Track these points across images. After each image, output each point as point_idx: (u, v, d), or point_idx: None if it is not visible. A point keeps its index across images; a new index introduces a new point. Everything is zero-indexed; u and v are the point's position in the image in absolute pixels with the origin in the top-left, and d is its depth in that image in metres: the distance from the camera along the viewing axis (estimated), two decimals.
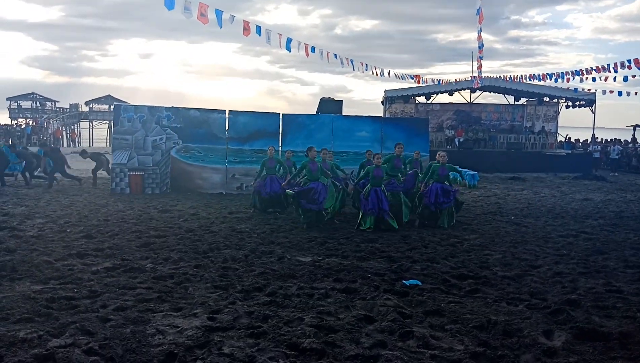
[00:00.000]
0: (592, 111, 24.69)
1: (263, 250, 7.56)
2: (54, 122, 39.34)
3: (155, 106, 14.28)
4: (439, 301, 5.39)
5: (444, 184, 9.93)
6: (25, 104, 45.26)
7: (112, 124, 16.13)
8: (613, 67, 20.60)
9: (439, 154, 10.20)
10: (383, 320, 4.79)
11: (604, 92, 25.56)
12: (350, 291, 5.67)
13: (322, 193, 9.40)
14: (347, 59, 18.41)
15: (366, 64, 20.60)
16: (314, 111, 18.19)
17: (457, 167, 11.70)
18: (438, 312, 5.07)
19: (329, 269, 6.59)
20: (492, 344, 4.33)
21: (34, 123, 37.84)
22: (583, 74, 22.30)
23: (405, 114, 26.05)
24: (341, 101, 18.63)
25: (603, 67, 21.46)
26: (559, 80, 23.69)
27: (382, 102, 26.72)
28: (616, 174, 22.83)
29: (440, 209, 9.73)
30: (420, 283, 6.02)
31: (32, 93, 46.41)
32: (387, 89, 25.90)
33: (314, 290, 5.66)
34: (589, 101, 24.72)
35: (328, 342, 4.25)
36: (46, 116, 41.79)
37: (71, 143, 40.01)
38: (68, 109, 45.95)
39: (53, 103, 46.75)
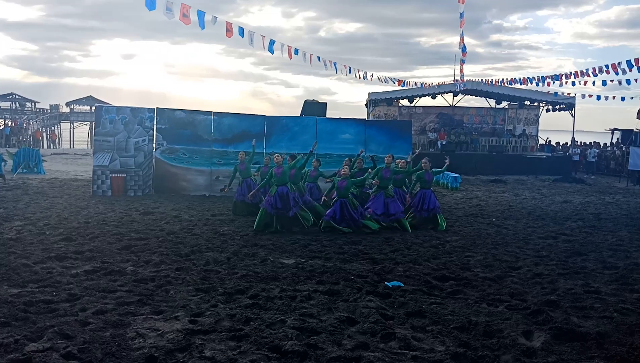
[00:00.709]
0: (572, 115, 25.10)
1: (246, 252, 7.53)
2: (34, 123, 38.69)
3: (138, 107, 14.13)
4: (421, 302, 5.43)
5: (430, 190, 10.14)
6: (4, 104, 44.42)
7: (94, 125, 15.88)
8: (592, 72, 20.95)
9: (423, 162, 10.28)
10: (365, 321, 4.81)
11: (583, 96, 25.96)
12: (333, 293, 5.68)
13: (291, 197, 9.35)
14: (330, 61, 18.41)
15: (349, 67, 20.63)
16: (298, 113, 18.19)
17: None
18: (420, 313, 5.10)
19: (312, 271, 6.59)
20: (473, 345, 4.38)
21: (13, 124, 37.12)
22: (562, 79, 22.65)
23: (389, 117, 26.19)
24: (325, 104, 18.67)
25: (582, 72, 21.81)
26: (540, 84, 24.04)
27: (366, 105, 26.84)
28: (593, 176, 23.24)
29: (434, 214, 9.91)
30: (403, 285, 6.06)
31: (11, 93, 45.57)
32: (370, 92, 26.05)
33: (297, 292, 5.66)
34: (568, 104, 25.13)
35: (310, 344, 4.25)
36: (26, 116, 41.06)
37: (51, 144, 39.40)
38: (48, 110, 45.21)
39: (33, 104, 45.95)
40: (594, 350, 4.34)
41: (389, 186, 10.02)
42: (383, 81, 26.00)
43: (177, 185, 14.09)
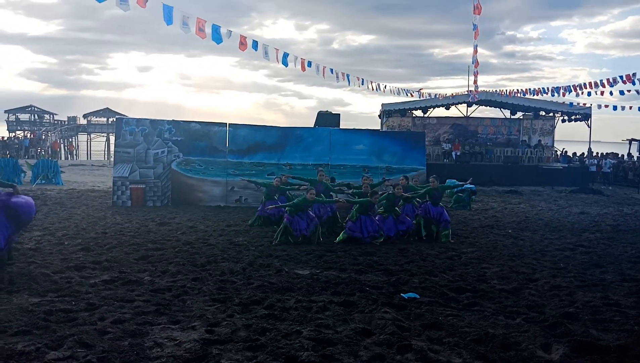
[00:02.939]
0: (588, 125, 24.90)
1: (261, 263, 7.56)
2: (52, 134, 39.42)
3: (157, 119, 14.34)
4: (437, 314, 5.40)
5: (437, 206, 10.02)
6: (24, 116, 45.30)
7: (114, 137, 16.16)
8: (607, 83, 20.80)
9: (430, 181, 10.32)
10: (381, 333, 4.80)
11: (599, 106, 25.75)
12: (349, 304, 5.67)
13: (312, 219, 9.36)
14: (342, 73, 18.51)
15: (362, 79, 20.72)
16: (311, 124, 18.29)
17: (449, 183, 12.21)
18: (436, 325, 5.07)
19: (327, 282, 6.59)
20: (490, 357, 4.34)
21: (31, 136, 37.87)
22: (575, 90, 22.52)
23: (402, 128, 26.22)
24: (339, 115, 18.78)
25: (596, 83, 21.67)
26: (555, 94, 23.92)
27: (380, 116, 26.90)
28: (610, 187, 22.94)
29: (438, 226, 9.82)
30: (418, 297, 6.03)
31: (30, 106, 46.48)
32: (384, 102, 26.12)
33: (312, 303, 5.66)
34: (584, 115, 24.94)
35: (326, 355, 4.25)
36: (44, 128, 41.84)
37: (69, 156, 40.01)
38: (66, 122, 46.01)
39: (51, 116, 46.80)
40: None
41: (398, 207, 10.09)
42: (395, 93, 26.04)
43: (193, 196, 14.22)
